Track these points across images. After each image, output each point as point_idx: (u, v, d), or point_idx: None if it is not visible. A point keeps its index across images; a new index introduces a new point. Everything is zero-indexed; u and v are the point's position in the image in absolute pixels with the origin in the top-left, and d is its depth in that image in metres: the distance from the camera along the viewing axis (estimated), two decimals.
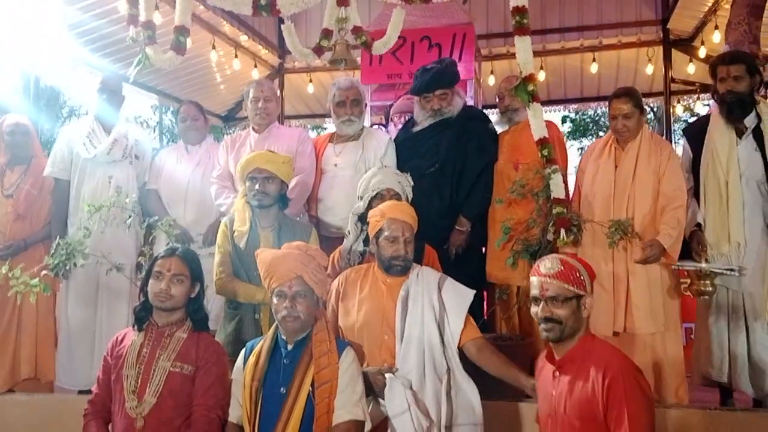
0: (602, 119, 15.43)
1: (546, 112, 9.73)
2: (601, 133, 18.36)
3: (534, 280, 2.39)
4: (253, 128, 3.96)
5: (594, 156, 3.66)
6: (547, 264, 2.38)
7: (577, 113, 18.24)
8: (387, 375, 2.71)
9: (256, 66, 8.28)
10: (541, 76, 8.02)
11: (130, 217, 3.45)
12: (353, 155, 3.85)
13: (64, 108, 14.06)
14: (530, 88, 3.30)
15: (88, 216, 3.28)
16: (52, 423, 3.51)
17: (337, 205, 3.77)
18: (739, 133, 3.44)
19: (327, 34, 3.60)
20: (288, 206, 3.34)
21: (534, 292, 2.38)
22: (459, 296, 2.88)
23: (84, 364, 3.78)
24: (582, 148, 20.18)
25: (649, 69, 7.77)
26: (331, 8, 3.53)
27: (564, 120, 19.39)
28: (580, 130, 19.71)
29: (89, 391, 3.62)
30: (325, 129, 14.25)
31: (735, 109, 3.43)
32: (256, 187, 3.17)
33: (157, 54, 3.70)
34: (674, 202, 3.38)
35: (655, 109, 11.66)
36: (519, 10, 3.30)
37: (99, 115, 4.02)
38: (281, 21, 4.40)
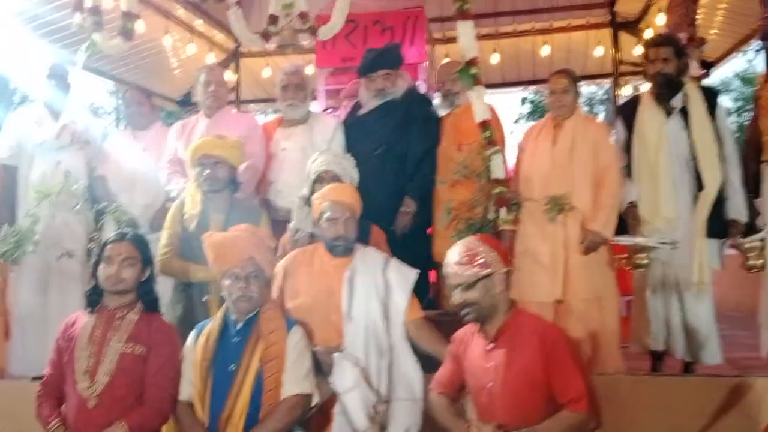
0: None
1: (503, 93, 9.96)
2: None
3: (446, 270, 2.53)
4: (204, 113, 4.00)
5: (533, 136, 3.80)
6: (453, 254, 2.52)
7: (536, 94, 18.54)
8: (335, 354, 2.80)
9: (211, 50, 8.26)
10: (495, 58, 8.16)
11: (77, 204, 3.47)
12: (301, 139, 3.93)
13: (15, 95, 13.80)
14: (473, 71, 3.43)
15: (36, 203, 3.29)
16: (5, 409, 3.52)
17: (287, 187, 3.84)
18: (668, 113, 3.60)
19: (273, 20, 3.67)
20: (238, 190, 3.40)
21: (450, 280, 2.51)
22: (403, 276, 2.99)
23: (37, 351, 3.77)
24: None
25: (599, 51, 7.96)
26: None
27: (523, 101, 19.72)
28: (538, 111, 20.02)
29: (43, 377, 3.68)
30: None
31: (663, 89, 3.59)
32: (206, 172, 3.23)
33: (105, 40, 3.74)
34: (607, 179, 3.55)
35: (608, 96, 11.95)
36: None
37: (47, 102, 4.01)
38: None
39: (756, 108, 3.70)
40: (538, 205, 3.38)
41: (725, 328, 5.46)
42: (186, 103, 9.28)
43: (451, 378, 2.66)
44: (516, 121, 21.40)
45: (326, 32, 3.79)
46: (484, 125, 3.40)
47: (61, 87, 4.01)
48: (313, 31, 3.70)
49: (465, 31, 3.38)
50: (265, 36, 3.76)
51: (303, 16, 3.66)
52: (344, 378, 2.76)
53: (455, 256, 2.49)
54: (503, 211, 3.31)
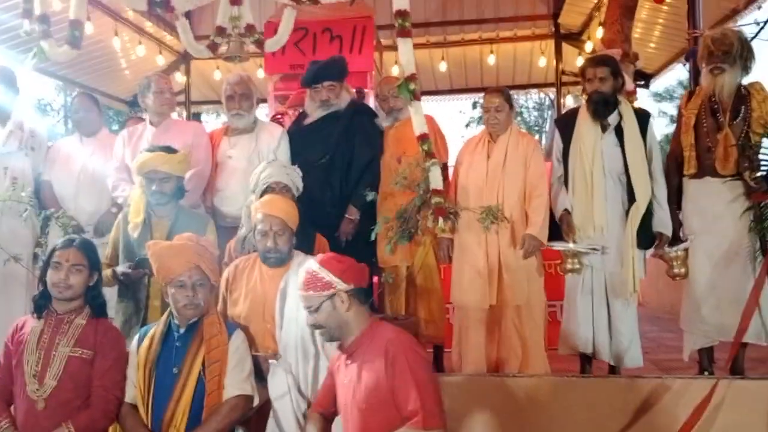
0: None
1: (451, 100, 10.17)
2: None
3: (298, 293, 2.60)
4: (150, 122, 4.05)
5: (469, 150, 3.98)
6: (299, 279, 2.57)
7: None
8: (270, 361, 2.92)
9: (161, 52, 8.25)
10: (443, 66, 8.37)
11: (26, 210, 3.49)
12: (247, 147, 4.01)
13: None
14: (412, 87, 3.55)
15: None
16: None
17: (233, 195, 3.92)
18: (603, 129, 3.79)
19: (220, 31, 3.72)
20: (184, 197, 3.48)
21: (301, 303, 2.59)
22: None
23: None
24: None
25: (543, 61, 8.24)
26: (224, 7, 3.66)
27: (474, 105, 19.97)
28: None
29: None
30: None
31: (600, 107, 3.77)
32: (153, 187, 3.31)
33: (53, 48, 3.74)
34: (537, 189, 3.76)
35: (551, 98, 12.29)
36: (401, 14, 3.54)
37: None
38: None
39: (678, 124, 3.92)
40: (474, 214, 3.54)
41: (654, 330, 5.78)
42: (135, 104, 9.22)
43: (326, 395, 2.67)
44: (467, 125, 21.70)
45: (272, 45, 3.88)
46: (423, 138, 3.54)
47: (7, 91, 4.00)
48: (259, 43, 3.78)
49: (405, 48, 3.51)
50: (212, 47, 3.81)
51: (250, 28, 3.73)
52: (277, 384, 2.89)
53: (300, 281, 2.55)
54: (441, 221, 3.46)
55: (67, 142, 4.22)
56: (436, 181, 3.50)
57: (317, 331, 2.57)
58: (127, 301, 3.33)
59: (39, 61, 3.79)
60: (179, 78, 8.80)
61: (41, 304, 2.81)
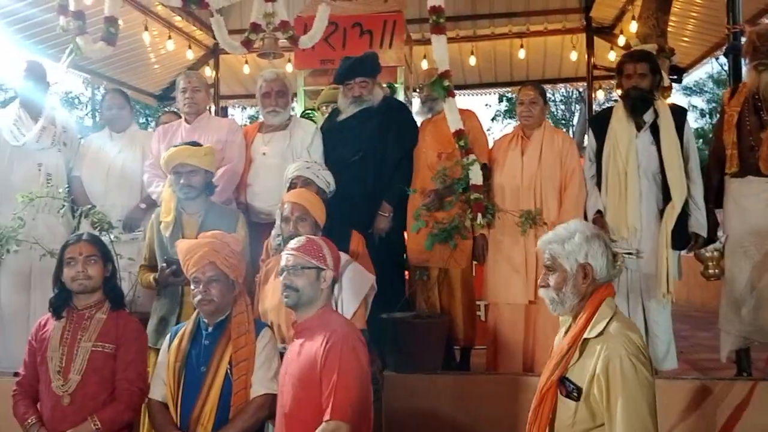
0: None
1: (480, 94, 10.11)
2: None
3: (283, 254, 2.64)
4: (185, 119, 4.06)
5: (502, 147, 3.94)
6: (294, 240, 2.66)
7: (514, 93, 18.74)
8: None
9: (190, 47, 8.28)
10: (473, 60, 8.30)
11: (63, 206, 3.53)
12: (281, 144, 4.00)
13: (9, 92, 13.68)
14: (446, 83, 3.54)
15: (23, 207, 3.35)
16: None
17: (266, 191, 3.91)
18: (638, 127, 3.72)
19: (255, 28, 3.74)
20: (214, 193, 3.49)
21: (281, 263, 2.62)
22: (357, 282, 3.09)
23: (19, 347, 3.83)
24: None
25: (574, 55, 8.14)
26: (259, 3, 3.67)
27: (501, 99, 19.87)
28: (515, 109, 20.20)
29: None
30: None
31: (638, 104, 3.70)
32: (181, 181, 3.32)
33: (88, 44, 3.78)
34: (570, 186, 3.72)
35: (581, 92, 12.17)
36: (435, 10, 3.54)
37: (25, 102, 4.03)
38: None
39: (720, 121, 3.84)
40: (512, 215, 3.50)
41: (687, 329, 5.70)
42: (164, 98, 9.31)
43: None
44: (493, 119, 21.59)
45: (306, 41, 3.88)
46: (459, 134, 3.52)
47: (39, 87, 4.01)
48: (293, 40, 3.78)
49: (439, 44, 3.50)
50: (247, 44, 3.84)
51: (284, 24, 3.74)
52: None
53: (297, 243, 2.61)
54: (479, 217, 3.44)
55: (97, 138, 4.23)
56: (476, 177, 3.48)
57: (285, 292, 2.57)
58: (163, 299, 3.35)
59: (75, 57, 3.84)
60: (208, 72, 8.84)
61: (59, 305, 2.83)
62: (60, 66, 4.02)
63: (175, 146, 3.46)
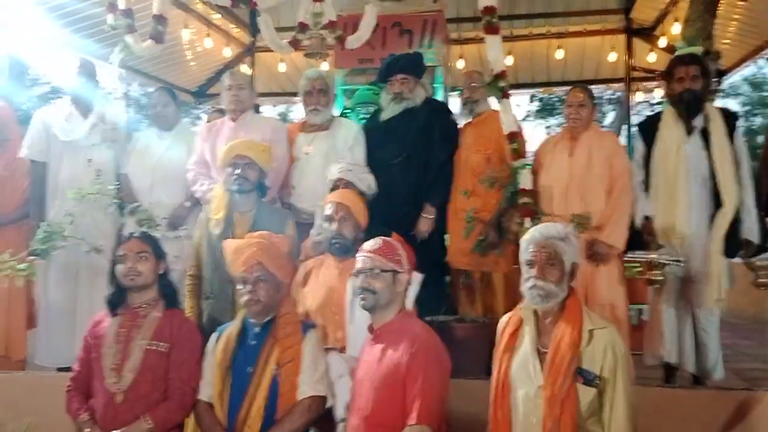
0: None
1: (515, 94, 10.02)
2: None
3: (358, 256, 2.66)
4: (229, 117, 4.07)
5: (548, 149, 3.90)
6: (370, 242, 2.68)
7: (545, 93, 18.57)
8: (330, 350, 2.93)
9: (228, 44, 8.33)
10: (509, 60, 8.23)
11: (112, 204, 3.56)
12: (323, 144, 4.00)
13: (41, 86, 13.91)
14: (501, 84, 3.51)
15: (74, 203, 3.39)
16: (28, 399, 3.55)
17: (309, 191, 3.91)
18: (688, 132, 3.66)
19: (303, 27, 3.74)
20: (266, 194, 3.50)
21: (357, 266, 2.63)
22: None
23: (64, 343, 3.88)
24: (549, 127, 20.55)
25: (612, 56, 8.03)
26: (307, 3, 3.67)
27: (532, 98, 19.69)
28: (547, 109, 20.04)
29: (68, 369, 3.78)
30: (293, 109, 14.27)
31: (692, 106, 3.63)
32: (237, 171, 3.34)
33: (137, 43, 3.82)
34: (616, 190, 3.67)
35: (617, 95, 12.01)
36: (489, 10, 3.50)
37: (76, 98, 4.07)
38: None
39: None
40: (561, 219, 3.45)
41: (729, 337, 5.59)
42: (200, 94, 9.38)
43: None
44: (524, 119, 21.41)
45: (354, 42, 3.88)
46: (513, 137, 3.49)
47: (90, 84, 4.07)
48: (341, 40, 3.77)
49: (493, 44, 3.47)
50: (294, 43, 3.84)
51: (331, 25, 3.73)
52: (334, 367, 2.88)
53: (374, 245, 2.65)
54: (527, 221, 3.41)
55: (144, 136, 4.26)
56: (525, 181, 3.45)
57: (361, 295, 2.59)
58: (213, 298, 3.36)
59: (125, 56, 3.87)
60: (243, 69, 8.89)
61: (115, 301, 2.87)
62: (109, 64, 4.03)
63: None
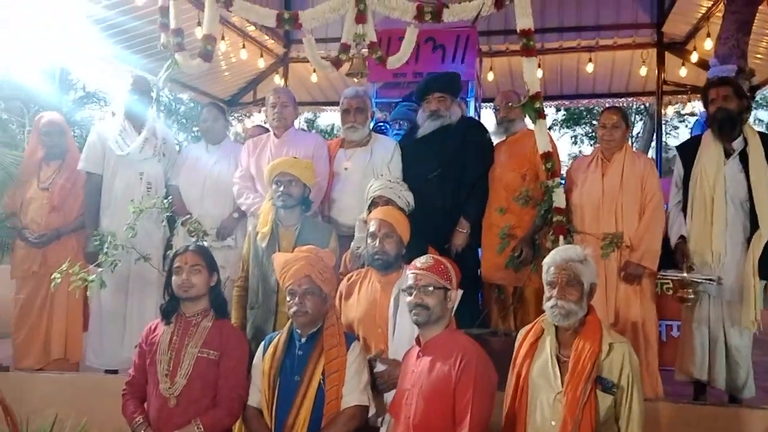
0: (596, 108, 15.79)
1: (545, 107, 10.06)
2: (594, 121, 18.68)
3: (409, 273, 2.76)
4: (274, 133, 4.23)
5: (581, 169, 3.98)
6: (421, 260, 2.78)
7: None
8: (376, 362, 3.01)
9: (262, 55, 8.51)
10: (539, 73, 8.30)
11: (163, 215, 3.73)
12: (362, 160, 4.14)
13: (79, 92, 14.28)
14: (537, 105, 3.61)
15: (135, 217, 3.57)
16: (81, 399, 3.75)
17: (348, 206, 4.06)
18: (727, 155, 3.72)
19: (345, 48, 3.87)
20: (310, 209, 3.64)
21: (409, 282, 2.73)
22: None
23: (114, 346, 4.08)
24: (575, 137, 20.51)
25: (643, 71, 8.06)
26: (350, 25, 3.80)
27: (558, 108, 19.68)
28: (573, 118, 20.01)
29: (116, 371, 3.96)
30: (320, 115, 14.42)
31: (726, 124, 3.69)
32: (281, 189, 3.49)
33: (186, 60, 3.98)
34: (648, 211, 3.73)
35: (647, 107, 11.98)
36: (526, 33, 3.60)
37: (129, 114, 4.28)
38: None
39: None
40: (592, 237, 3.55)
41: (760, 354, 5.58)
42: (233, 104, 9.58)
43: None
44: (550, 128, 21.39)
45: (394, 62, 3.99)
46: (547, 156, 3.59)
47: (143, 100, 4.28)
48: (382, 60, 3.89)
49: (529, 67, 3.57)
50: (337, 63, 3.97)
51: (372, 46, 3.86)
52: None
53: (426, 262, 2.75)
54: (561, 239, 3.50)
55: (194, 149, 4.46)
56: (559, 200, 3.54)
57: (415, 311, 2.70)
58: (257, 308, 3.51)
59: (173, 73, 4.05)
60: (276, 81, 9.07)
61: (169, 310, 3.01)
62: (158, 80, 4.22)
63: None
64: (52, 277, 3.48)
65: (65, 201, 4.25)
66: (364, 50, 3.89)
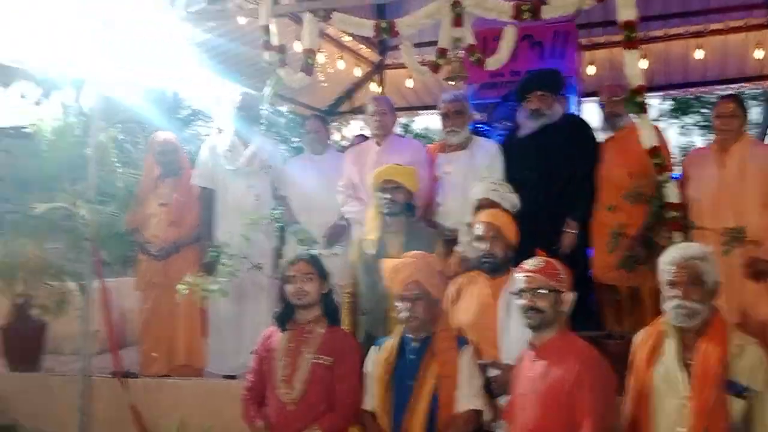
0: (706, 97, 14.93)
1: (649, 96, 9.62)
2: (704, 110, 17.72)
3: (520, 275, 2.69)
4: (375, 141, 4.30)
5: (697, 161, 3.81)
6: (531, 262, 2.74)
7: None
8: (489, 368, 2.99)
9: (358, 65, 8.64)
10: (644, 64, 7.96)
11: (272, 225, 3.87)
12: (463, 163, 4.13)
13: (186, 110, 15.10)
14: (639, 99, 3.47)
15: (247, 228, 3.76)
16: (204, 404, 3.97)
17: (450, 210, 4.06)
18: None
19: (442, 53, 3.87)
20: (415, 215, 3.67)
21: (520, 285, 2.67)
22: None
23: (231, 352, 4.27)
24: (683, 127, 19.53)
25: (759, 53, 7.56)
26: (446, 29, 3.79)
27: (664, 97, 18.81)
28: (681, 108, 19.06)
29: (233, 377, 4.13)
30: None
31: None
32: (386, 196, 3.53)
33: (289, 75, 4.12)
34: None
35: (766, 92, 11.25)
36: (628, 24, 3.47)
37: (237, 130, 4.48)
38: None
39: None
40: (712, 233, 3.36)
41: None
42: (329, 113, 9.77)
43: None
44: (656, 119, 20.50)
45: (494, 63, 3.94)
46: (655, 151, 3.44)
47: (250, 117, 4.47)
48: (480, 62, 3.86)
49: (631, 59, 3.43)
50: (434, 68, 3.98)
51: (470, 49, 3.83)
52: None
53: (537, 264, 2.71)
54: (677, 236, 3.35)
55: (299, 160, 4.63)
56: (672, 195, 3.39)
57: (528, 314, 2.66)
58: (368, 314, 3.57)
59: (277, 89, 4.19)
60: (372, 88, 9.17)
61: (284, 317, 3.11)
62: (263, 96, 4.39)
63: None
64: (177, 288, 3.67)
65: (182, 215, 4.48)
66: (461, 53, 3.88)
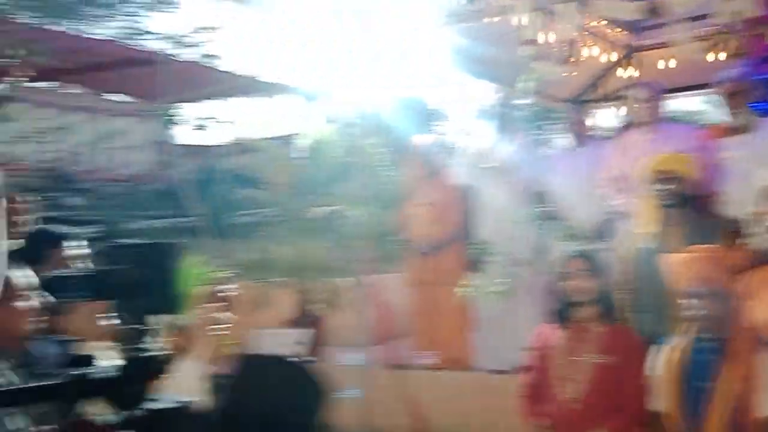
0: None
1: None
2: None
3: None
4: (644, 129, 4.09)
5: None
6: None
7: None
8: None
9: (607, 50, 8.24)
10: None
11: (537, 221, 3.86)
12: (746, 148, 3.80)
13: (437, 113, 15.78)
14: None
15: (514, 225, 3.82)
16: (473, 397, 4.07)
17: (735, 199, 3.71)
18: None
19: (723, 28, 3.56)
20: (695, 205, 3.44)
21: None
22: None
23: (500, 348, 4.29)
24: None
25: None
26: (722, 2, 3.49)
27: None
28: None
29: (501, 371, 4.17)
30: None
31: None
32: (662, 187, 3.38)
33: (545, 68, 4.09)
34: None
35: None
36: None
37: (495, 128, 4.59)
38: None
39: None
40: None
41: None
42: (576, 102, 9.44)
43: None
44: None
45: None
46: None
47: (505, 115, 4.59)
48: (761, 35, 3.52)
49: None
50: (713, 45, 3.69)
51: (751, 21, 3.52)
52: None
53: None
54: None
55: (563, 153, 4.62)
56: None
57: None
58: (646, 311, 3.41)
59: (533, 83, 4.18)
60: (620, 72, 8.68)
61: (561, 313, 3.06)
62: (517, 91, 4.42)
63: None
64: (455, 291, 3.77)
65: (444, 214, 4.61)
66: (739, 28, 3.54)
